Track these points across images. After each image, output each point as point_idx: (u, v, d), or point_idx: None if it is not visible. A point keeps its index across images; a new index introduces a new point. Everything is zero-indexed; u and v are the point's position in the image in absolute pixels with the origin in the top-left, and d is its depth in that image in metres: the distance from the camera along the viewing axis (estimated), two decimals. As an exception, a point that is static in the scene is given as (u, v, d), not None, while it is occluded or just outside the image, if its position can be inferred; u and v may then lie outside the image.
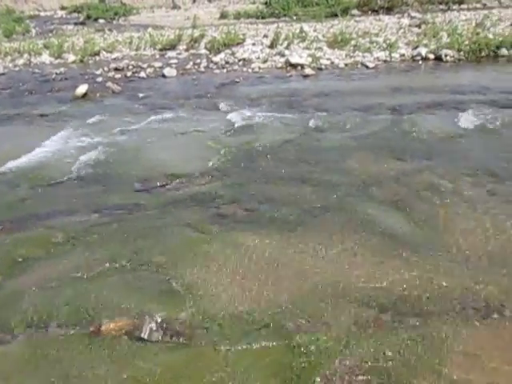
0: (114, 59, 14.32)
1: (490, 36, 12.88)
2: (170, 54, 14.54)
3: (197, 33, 15.95)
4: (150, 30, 19.58)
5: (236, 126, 7.50)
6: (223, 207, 4.88)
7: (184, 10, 37.05)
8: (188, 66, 12.56)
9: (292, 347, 3.12)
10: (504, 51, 12.01)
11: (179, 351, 3.15)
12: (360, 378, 2.90)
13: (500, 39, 12.38)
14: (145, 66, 12.90)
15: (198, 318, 3.40)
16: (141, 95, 9.94)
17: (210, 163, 6.04)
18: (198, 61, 12.98)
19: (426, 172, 5.49)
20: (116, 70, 12.69)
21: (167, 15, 33.77)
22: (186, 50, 14.90)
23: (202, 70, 12.25)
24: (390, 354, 3.05)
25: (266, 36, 15.23)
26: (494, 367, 2.92)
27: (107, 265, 4.03)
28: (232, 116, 7.99)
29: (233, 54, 13.38)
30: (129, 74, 12.20)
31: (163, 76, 11.82)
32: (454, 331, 3.20)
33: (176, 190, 5.39)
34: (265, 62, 12.27)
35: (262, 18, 24.34)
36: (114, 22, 30.76)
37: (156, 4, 43.20)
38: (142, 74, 12.04)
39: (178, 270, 3.90)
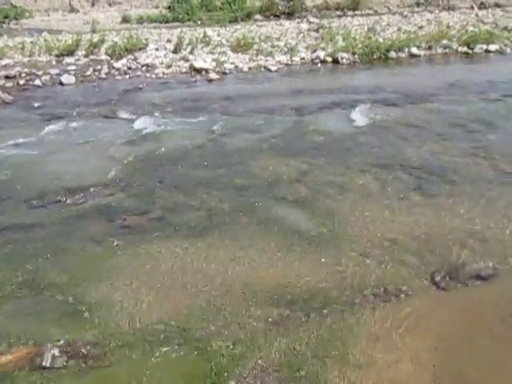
0: (5, 66, 13.21)
1: (381, 40, 13.91)
2: (68, 60, 13.76)
3: (96, 37, 15.28)
4: (45, 34, 18.37)
5: (140, 133, 7.30)
6: (129, 218, 4.71)
7: (82, 13, 35.31)
8: (88, 73, 11.99)
9: (205, 353, 3.10)
10: (393, 54, 13.04)
11: (87, 374, 2.99)
12: (273, 375, 2.96)
13: (389, 43, 13.42)
14: (40, 73, 12.08)
15: (105, 336, 3.25)
16: (36, 104, 9.29)
17: (114, 173, 5.81)
18: (99, 67, 12.44)
19: (326, 168, 5.77)
20: (7, 77, 11.72)
21: (64, 19, 31.98)
22: (86, 55, 14.20)
23: (103, 76, 11.77)
24: (300, 348, 3.15)
25: (169, 41, 15.04)
26: (396, 346, 3.14)
27: (0, 291, 3.69)
28: (136, 123, 7.77)
29: (135, 59, 13.02)
30: (22, 82, 11.34)
31: (61, 83, 11.16)
32: (358, 318, 3.39)
33: (77, 204, 5.10)
34: (169, 67, 12.11)
35: (166, 22, 23.99)
36: (4, 25, 28.44)
37: (51, 7, 40.60)
38: (37, 82, 11.27)
39: (81, 288, 3.70)
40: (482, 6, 25.18)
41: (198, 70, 11.56)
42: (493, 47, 13.91)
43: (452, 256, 4.04)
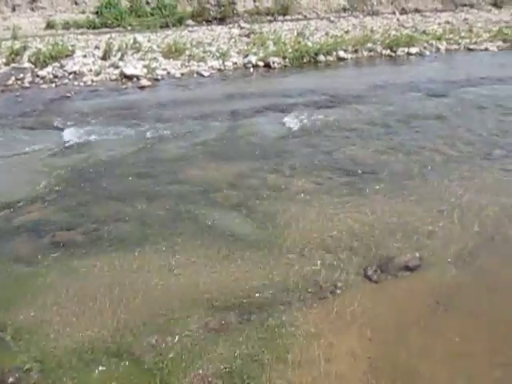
0: None
1: (310, 44, 14.30)
2: (-13, 69, 12.91)
3: (18, 44, 14.45)
4: (-42, 42, 17.10)
5: (69, 144, 6.99)
6: (58, 234, 4.50)
7: (2, 18, 33.25)
8: (9, 82, 11.32)
9: (144, 367, 3.03)
10: (322, 57, 13.45)
11: (16, 404, 2.81)
12: (214, 383, 2.94)
13: (318, 47, 13.83)
14: (-46, 83, 11.24)
15: (36, 361, 3.08)
16: (-49, 118, 8.62)
17: (41, 187, 5.52)
18: (22, 75, 11.77)
19: (262, 172, 5.84)
20: None
21: (-19, 25, 29.93)
22: (6, 63, 13.37)
23: (27, 85, 11.16)
24: (241, 352, 3.16)
25: (97, 47, 14.52)
26: (333, 341, 3.24)
27: None
28: (64, 134, 7.42)
29: (62, 66, 12.45)
30: None
31: (-21, 94, 10.45)
32: (296, 317, 3.46)
33: (1, 221, 4.79)
34: (98, 74, 11.70)
35: (94, 28, 23.15)
36: None
37: (-34, 13, 37.87)
38: (-48, 93, 10.48)
39: (7, 311, 3.47)
40: (403, 12, 26.63)
41: (129, 77, 11.27)
42: (413, 50, 14.75)
43: (383, 250, 4.24)
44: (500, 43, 16.07)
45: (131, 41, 14.54)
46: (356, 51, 14.53)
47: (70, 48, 14.01)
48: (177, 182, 5.61)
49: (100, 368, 3.03)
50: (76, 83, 11.16)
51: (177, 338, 3.25)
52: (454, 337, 3.24)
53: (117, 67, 12.00)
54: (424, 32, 17.29)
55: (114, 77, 11.49)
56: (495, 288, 3.73)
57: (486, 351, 3.11)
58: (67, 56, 13.42)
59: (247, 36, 16.09)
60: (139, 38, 15.28)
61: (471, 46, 15.65)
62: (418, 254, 4.12)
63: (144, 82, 10.90)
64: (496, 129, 7.34)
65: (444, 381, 2.91)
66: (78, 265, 4.03)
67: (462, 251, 4.17)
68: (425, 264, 4.02)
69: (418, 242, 4.35)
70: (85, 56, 13.53)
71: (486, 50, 15.44)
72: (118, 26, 23.44)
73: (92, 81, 11.31)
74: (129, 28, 22.41)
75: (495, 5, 28.55)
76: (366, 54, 14.55)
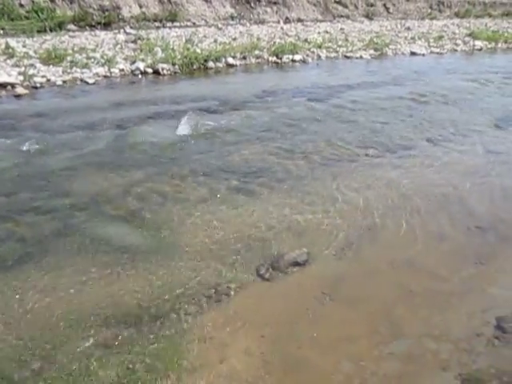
0: None
1: (198, 51, 14.38)
2: None
3: None
4: None
5: None
6: None
7: None
8: None
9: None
10: (211, 64, 13.63)
11: None
12: (108, 401, 2.83)
13: (207, 53, 13.97)
14: None
15: None
16: None
17: None
18: None
19: (153, 179, 5.74)
20: None
21: None
22: None
23: None
24: (135, 365, 3.08)
25: (-38, 52, 13.07)
26: (228, 342, 3.30)
27: None
28: None
29: None
30: None
31: None
32: (192, 323, 3.47)
33: None
34: (-37, 82, 10.54)
35: (-42, 31, 20.82)
36: None
37: None
38: None
39: None
40: (286, 21, 28.04)
41: (2, 85, 10.31)
42: (297, 57, 15.61)
43: (274, 248, 4.41)
44: (372, 51, 17.72)
45: (3, 46, 13.34)
46: (244, 58, 14.97)
47: None
48: (61, 195, 5.27)
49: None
50: None
51: (65, 360, 3.06)
52: (338, 324, 3.49)
53: (-14, 74, 10.91)
54: (306, 40, 18.39)
55: (-17, 85, 10.42)
56: (373, 275, 4.09)
57: (366, 333, 3.40)
58: None
59: (134, 42, 15.68)
60: (12, 42, 14.07)
61: (348, 54, 17.01)
62: (305, 250, 4.35)
63: (20, 90, 10.05)
64: (371, 129, 8.06)
65: (330, 365, 3.12)
66: None
67: (344, 244, 4.51)
68: (312, 258, 4.26)
69: (305, 238, 4.61)
70: None
71: (361, 57, 16.91)
72: (-14, 29, 21.38)
73: (-45, 90, 10.14)
74: (1, 32, 20.55)
75: (367, 16, 31.48)
76: (253, 60, 15.06)
